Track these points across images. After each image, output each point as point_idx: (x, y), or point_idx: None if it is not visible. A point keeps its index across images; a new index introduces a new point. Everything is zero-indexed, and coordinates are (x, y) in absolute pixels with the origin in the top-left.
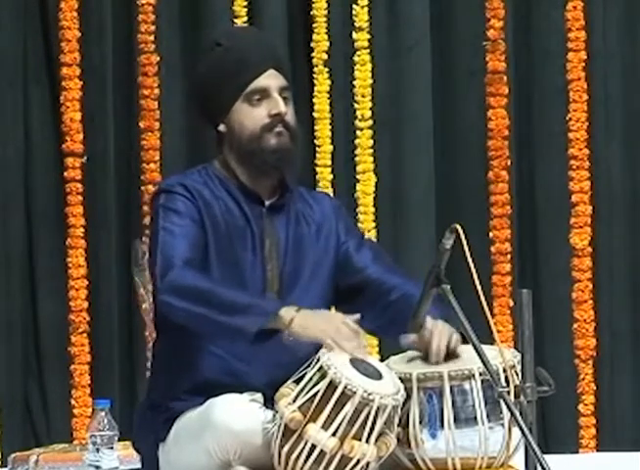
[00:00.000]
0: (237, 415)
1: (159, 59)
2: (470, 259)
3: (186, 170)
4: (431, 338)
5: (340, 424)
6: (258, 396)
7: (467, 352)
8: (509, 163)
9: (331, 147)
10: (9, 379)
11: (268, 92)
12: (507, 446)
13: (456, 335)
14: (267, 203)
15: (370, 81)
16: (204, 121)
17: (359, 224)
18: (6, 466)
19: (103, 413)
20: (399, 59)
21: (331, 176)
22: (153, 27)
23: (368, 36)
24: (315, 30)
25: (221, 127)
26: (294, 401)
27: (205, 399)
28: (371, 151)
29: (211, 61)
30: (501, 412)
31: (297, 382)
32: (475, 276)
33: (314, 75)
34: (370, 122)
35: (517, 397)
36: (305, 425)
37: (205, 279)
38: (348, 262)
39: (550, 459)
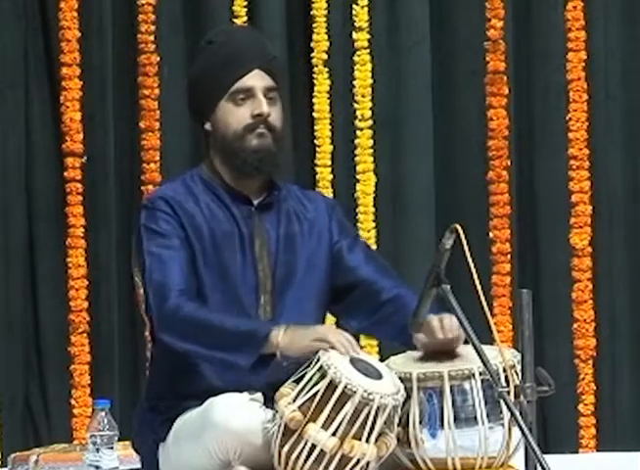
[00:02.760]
0: (237, 415)
1: (159, 59)
2: (470, 259)
3: (172, 178)
4: (440, 321)
5: (340, 424)
6: (258, 395)
7: (467, 351)
8: (509, 163)
9: (331, 147)
10: (9, 379)
11: (253, 92)
12: (507, 446)
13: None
14: (256, 202)
15: (370, 81)
16: (194, 119)
17: (359, 224)
18: (6, 466)
19: (103, 413)
20: (399, 59)
21: (331, 176)
22: (153, 27)
23: (368, 36)
24: (315, 30)
25: (207, 125)
26: (294, 401)
27: (204, 398)
28: (371, 151)
29: (202, 58)
30: (501, 412)
31: (297, 382)
32: (475, 276)
33: (314, 75)
34: (370, 122)
35: (517, 397)
36: (305, 425)
37: (199, 312)
38: (340, 262)
39: (550, 459)
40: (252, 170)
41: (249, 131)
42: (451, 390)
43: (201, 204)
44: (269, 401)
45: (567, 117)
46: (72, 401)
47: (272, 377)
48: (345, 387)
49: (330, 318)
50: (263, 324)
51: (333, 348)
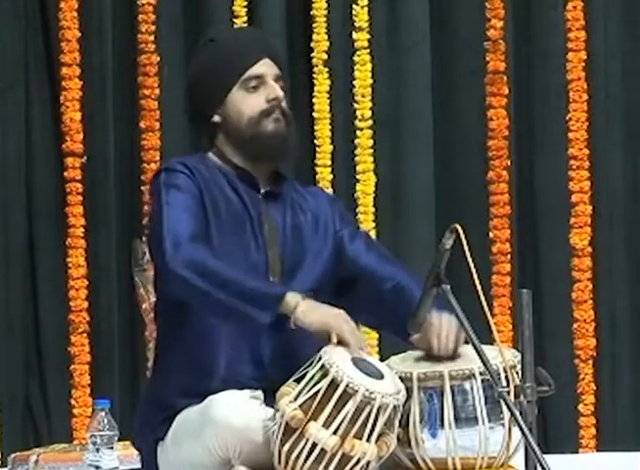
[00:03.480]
0: (237, 412)
1: (159, 59)
2: (470, 259)
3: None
4: (439, 332)
5: (341, 423)
6: (259, 393)
7: (467, 351)
8: (509, 163)
9: (331, 147)
10: (9, 379)
11: (264, 79)
12: (507, 446)
13: (461, 331)
14: (263, 190)
15: (370, 81)
16: (197, 116)
17: (359, 224)
18: (6, 466)
19: (103, 413)
20: (399, 59)
21: (331, 176)
22: (153, 27)
23: (368, 36)
24: (315, 30)
25: (216, 118)
26: (295, 400)
27: (204, 396)
28: (371, 151)
29: (206, 55)
30: (501, 412)
31: (299, 381)
32: (475, 276)
33: (314, 75)
34: (370, 122)
35: (517, 397)
36: (306, 423)
37: (215, 258)
38: (342, 252)
39: (550, 459)
40: (269, 155)
41: (265, 116)
42: (451, 390)
43: (215, 181)
44: (270, 400)
45: (567, 117)
46: (72, 401)
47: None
48: (347, 386)
49: None
50: (280, 286)
51: (340, 339)
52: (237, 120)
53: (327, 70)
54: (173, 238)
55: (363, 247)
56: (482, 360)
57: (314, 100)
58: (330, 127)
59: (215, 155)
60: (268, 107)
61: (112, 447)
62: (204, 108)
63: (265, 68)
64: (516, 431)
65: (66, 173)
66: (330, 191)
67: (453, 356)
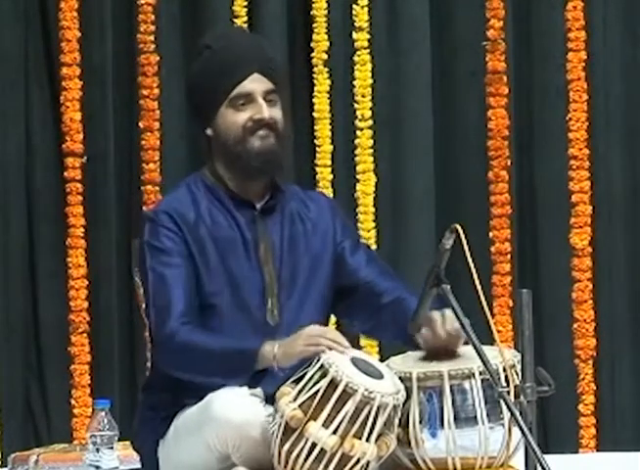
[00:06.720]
0: (236, 408)
1: (159, 59)
2: (470, 259)
3: (175, 187)
4: (442, 319)
5: (340, 422)
6: (258, 390)
7: (467, 351)
8: (509, 163)
9: (331, 147)
10: (9, 379)
11: (253, 97)
12: (507, 446)
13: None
14: (259, 206)
15: (370, 81)
16: (195, 124)
17: (359, 224)
18: (6, 466)
19: (103, 413)
20: (399, 59)
21: (331, 176)
22: (153, 27)
23: (368, 36)
24: (315, 30)
25: (209, 131)
26: (294, 400)
27: (204, 394)
28: (371, 151)
29: (200, 64)
30: (501, 412)
31: (298, 381)
32: (475, 276)
33: (314, 75)
34: (370, 122)
35: (517, 397)
36: (306, 423)
37: (192, 337)
38: (342, 263)
39: (550, 459)
40: (257, 173)
41: (249, 133)
42: (451, 389)
43: (203, 212)
44: (269, 400)
45: (567, 118)
46: (72, 401)
47: (271, 388)
48: (347, 385)
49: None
50: (252, 342)
51: (329, 348)
52: (225, 138)
53: (327, 70)
54: (158, 317)
55: (364, 260)
56: (482, 360)
57: (314, 100)
58: (330, 127)
59: (210, 171)
60: (252, 125)
61: (112, 447)
62: (199, 119)
63: (255, 84)
64: (516, 431)
65: (66, 173)
66: (330, 191)
67: (453, 356)
